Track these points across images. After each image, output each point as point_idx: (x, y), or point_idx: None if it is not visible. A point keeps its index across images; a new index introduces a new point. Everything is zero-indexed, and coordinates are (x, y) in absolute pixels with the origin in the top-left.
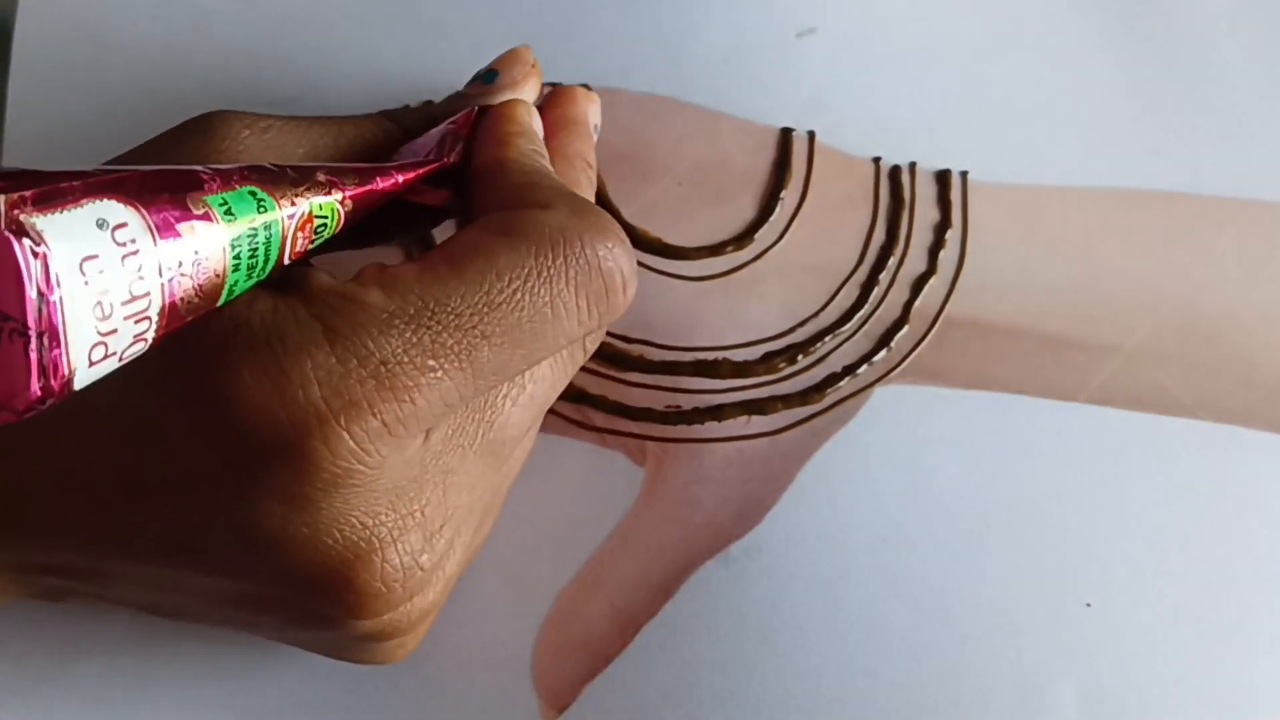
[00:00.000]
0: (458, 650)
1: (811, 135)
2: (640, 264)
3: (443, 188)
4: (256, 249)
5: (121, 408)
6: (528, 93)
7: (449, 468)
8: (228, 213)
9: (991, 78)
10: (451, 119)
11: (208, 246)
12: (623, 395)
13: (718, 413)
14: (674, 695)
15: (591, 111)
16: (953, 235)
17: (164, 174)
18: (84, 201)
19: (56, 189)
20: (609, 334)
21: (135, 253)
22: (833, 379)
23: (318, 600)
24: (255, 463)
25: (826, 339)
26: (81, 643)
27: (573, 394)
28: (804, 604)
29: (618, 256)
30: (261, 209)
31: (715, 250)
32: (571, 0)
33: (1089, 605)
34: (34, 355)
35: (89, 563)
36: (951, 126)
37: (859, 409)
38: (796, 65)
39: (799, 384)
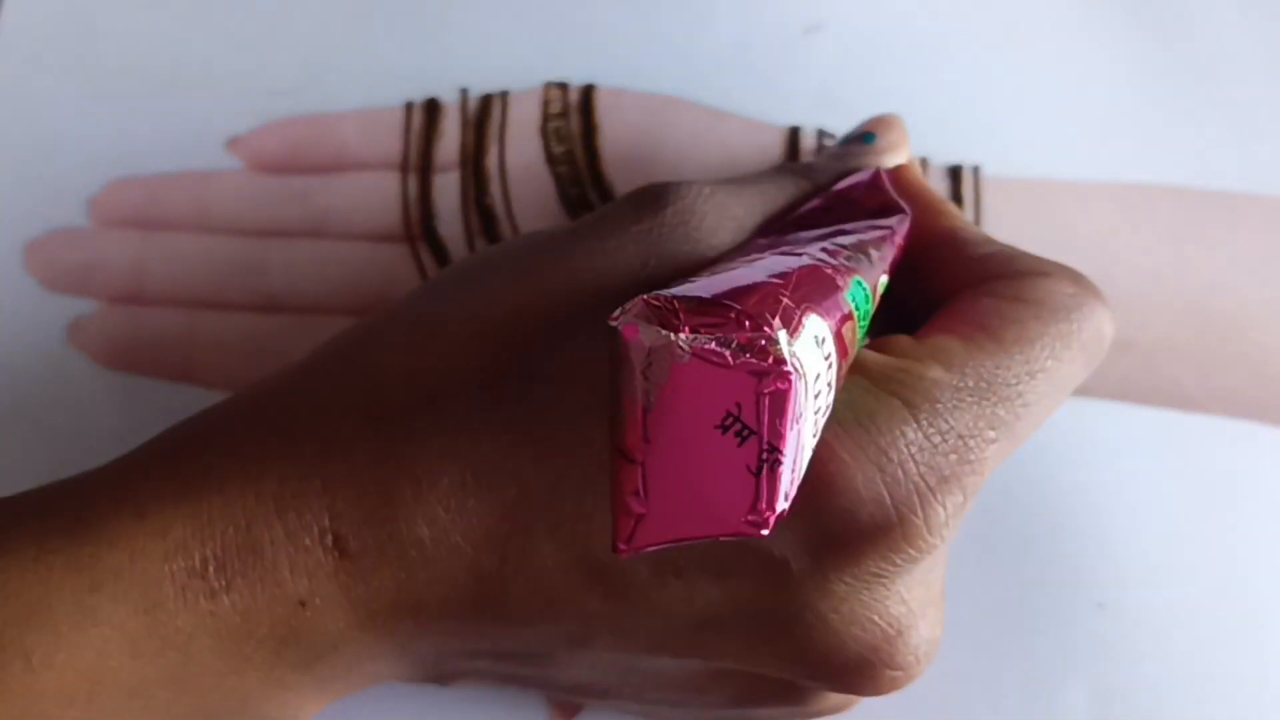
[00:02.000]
0: None
1: (820, 133)
2: None
3: None
4: (860, 336)
5: None
6: (902, 157)
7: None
8: (856, 306)
9: (1002, 72)
10: (855, 177)
11: (851, 341)
12: None
13: None
14: None
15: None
16: None
17: (815, 275)
18: (805, 318)
19: (787, 310)
20: None
21: (830, 363)
22: None
23: (845, 680)
24: (847, 542)
25: None
26: None
27: None
28: None
29: (1111, 321)
30: (865, 297)
31: None
32: None
33: (1101, 605)
34: (789, 476)
35: (558, 649)
36: (964, 121)
37: None
38: (805, 61)
39: None
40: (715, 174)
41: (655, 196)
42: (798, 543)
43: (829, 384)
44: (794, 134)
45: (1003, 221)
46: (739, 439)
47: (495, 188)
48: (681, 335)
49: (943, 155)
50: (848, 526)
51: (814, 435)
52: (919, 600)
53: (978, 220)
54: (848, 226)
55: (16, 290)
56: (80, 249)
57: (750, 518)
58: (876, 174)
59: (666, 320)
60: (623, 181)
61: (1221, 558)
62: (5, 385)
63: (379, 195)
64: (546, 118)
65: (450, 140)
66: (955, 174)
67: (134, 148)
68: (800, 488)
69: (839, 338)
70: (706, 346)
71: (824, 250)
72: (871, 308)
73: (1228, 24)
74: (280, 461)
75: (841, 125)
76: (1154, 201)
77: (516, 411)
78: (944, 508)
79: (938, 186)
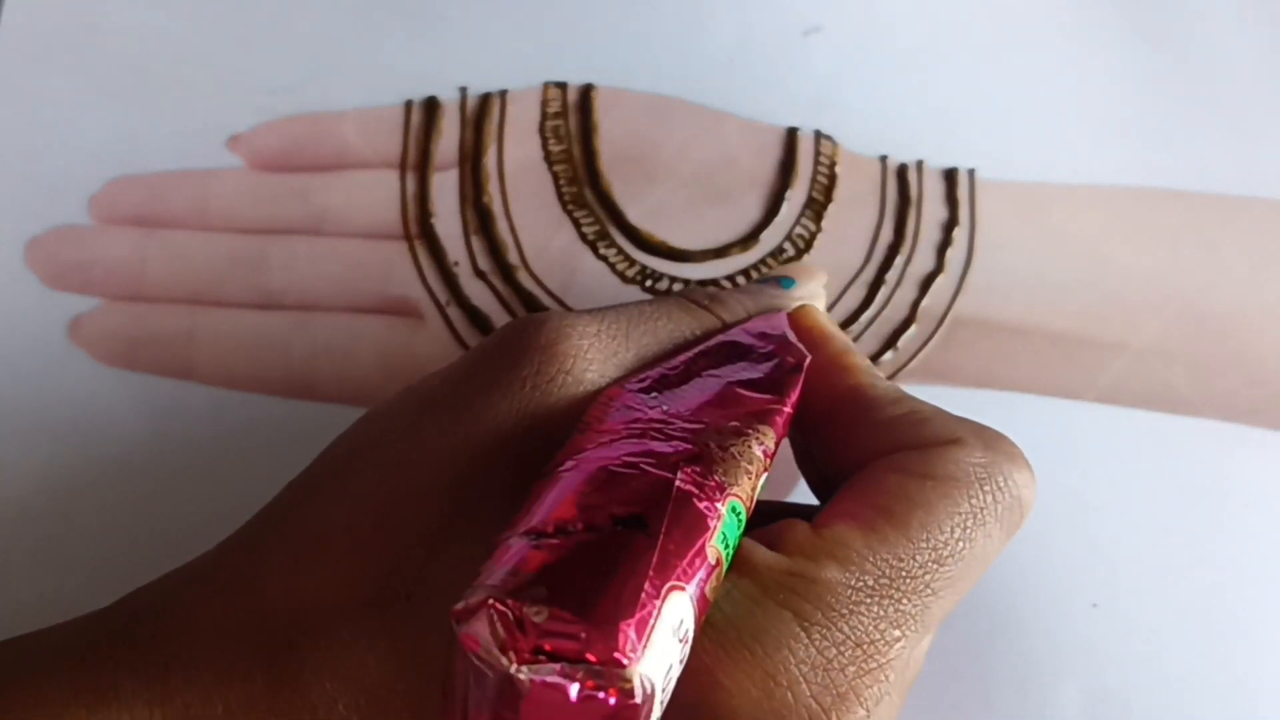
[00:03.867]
0: None
1: (818, 134)
2: (645, 267)
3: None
4: (731, 554)
5: None
6: (823, 305)
7: None
8: (724, 545)
9: (998, 75)
10: (760, 317)
11: (715, 588)
12: None
13: None
14: None
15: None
16: (960, 233)
17: (680, 522)
18: (661, 611)
19: (644, 615)
20: None
21: (685, 641)
22: None
23: None
24: None
25: None
26: None
27: None
28: None
29: (1031, 484)
30: (739, 521)
31: (720, 253)
32: None
33: (1095, 605)
34: None
35: None
36: (959, 124)
37: None
38: (803, 63)
39: None
40: (718, 174)
41: (530, 341)
42: None
43: (680, 660)
44: (792, 134)
45: (997, 225)
46: None
47: (493, 186)
48: (522, 668)
49: (938, 158)
50: None
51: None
52: None
53: (972, 225)
54: (737, 390)
55: (18, 287)
56: (81, 246)
57: None
58: (782, 318)
59: (510, 634)
60: (621, 182)
61: (1213, 559)
62: (6, 382)
63: (378, 193)
64: (545, 117)
65: (449, 139)
66: (950, 177)
67: (135, 145)
68: (689, 712)
69: (701, 601)
70: (548, 680)
71: (699, 437)
72: (745, 519)
73: (1222, 27)
74: (184, 687)
75: (838, 126)
76: (1148, 204)
77: (401, 630)
78: None
79: (933, 189)
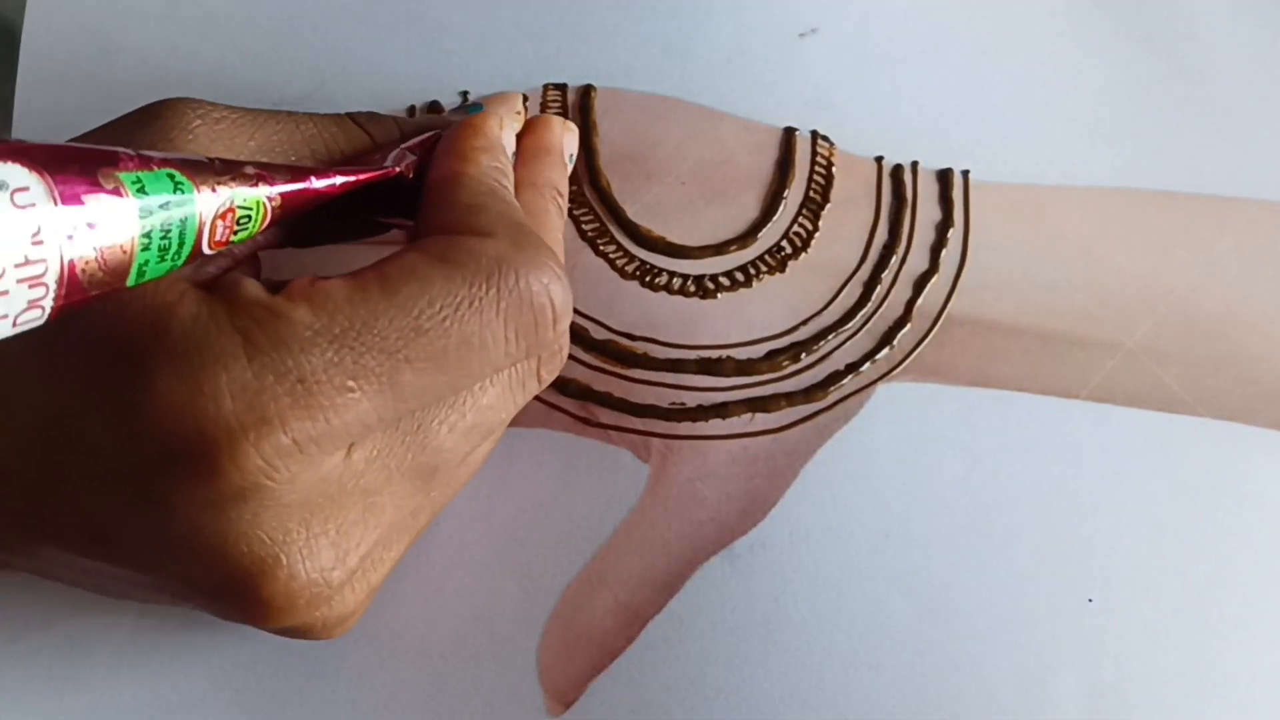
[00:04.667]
0: (464, 646)
1: (814, 135)
2: (644, 263)
3: (394, 202)
4: (170, 231)
5: (43, 400)
6: (507, 130)
7: (371, 487)
8: (140, 190)
9: (993, 77)
10: (417, 138)
11: (114, 219)
12: (627, 392)
13: (722, 410)
14: (679, 690)
15: (568, 141)
16: (954, 234)
17: (79, 149)
18: None
19: None
20: (613, 331)
21: (32, 214)
22: (836, 376)
23: (221, 606)
24: (167, 467)
25: (829, 337)
26: (90, 637)
27: (578, 391)
28: (807, 600)
29: (552, 290)
30: (178, 190)
31: (719, 249)
32: (575, 0)
33: (1090, 600)
34: None
35: (14, 542)
36: (953, 126)
37: (862, 406)
38: (799, 65)
39: (802, 381)
40: (716, 173)
41: (156, 115)
42: (131, 461)
43: (36, 238)
44: (789, 134)
45: (990, 225)
46: None
47: None
48: None
49: (932, 159)
50: (162, 452)
51: None
52: (298, 540)
53: (965, 226)
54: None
55: None
56: None
57: None
58: (432, 137)
59: None
60: (620, 180)
61: (1207, 555)
62: None
63: None
64: None
65: None
66: (945, 178)
67: None
68: (121, 407)
69: (72, 198)
70: None
71: (204, 159)
72: (254, 220)
73: (1214, 29)
74: None
75: (835, 127)
76: (1141, 205)
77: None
78: (255, 449)
79: (928, 190)
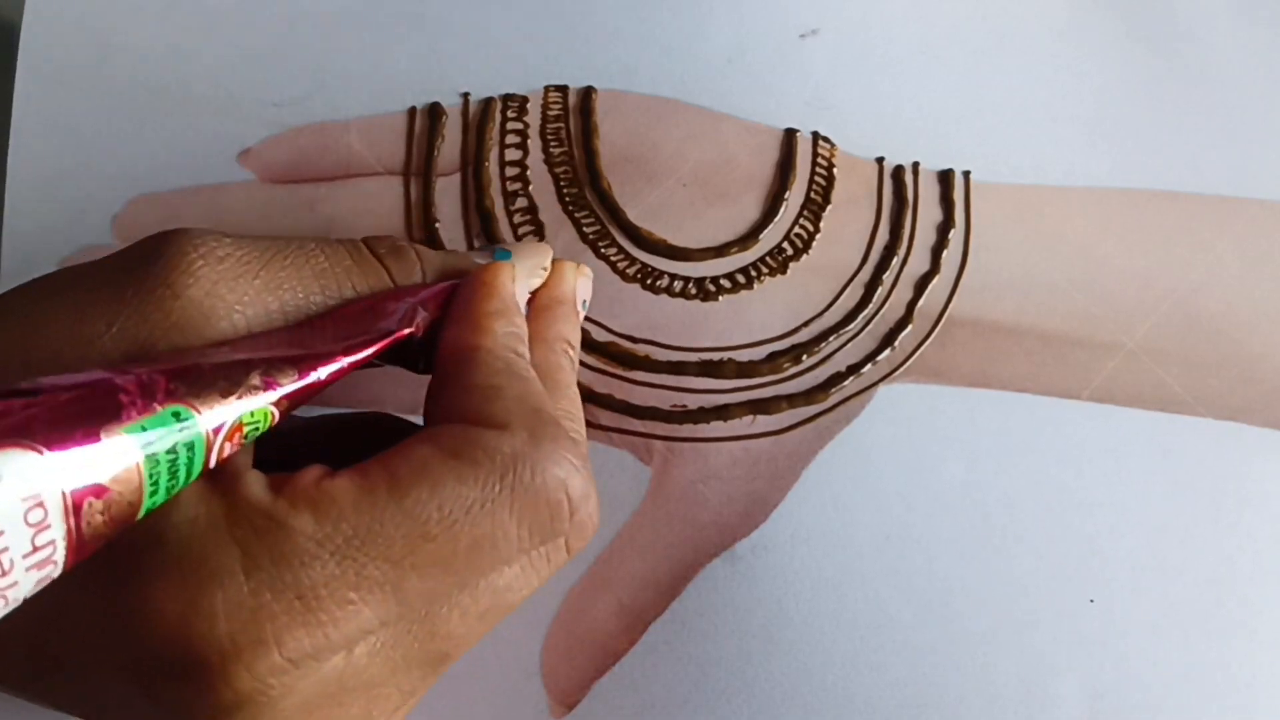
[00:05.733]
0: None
1: (815, 136)
2: (646, 265)
3: (400, 353)
4: (177, 470)
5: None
6: (531, 284)
7: (375, 680)
8: (145, 441)
9: (994, 78)
10: (433, 286)
11: (122, 481)
12: (629, 394)
13: (723, 412)
14: (681, 692)
15: (581, 287)
16: (955, 235)
17: (79, 401)
18: None
19: None
20: (615, 333)
21: (40, 505)
22: (837, 378)
23: None
24: (162, 674)
25: (831, 339)
26: None
27: (580, 393)
28: (809, 601)
29: (570, 485)
30: (183, 427)
31: (720, 251)
32: (576, 1)
33: (1092, 601)
34: None
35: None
36: (954, 126)
37: (863, 408)
38: (800, 66)
39: (803, 383)
40: (717, 175)
41: (158, 254)
42: (124, 665)
43: (42, 525)
44: (790, 136)
45: (991, 226)
46: None
47: (495, 189)
48: None
49: (933, 160)
50: (154, 663)
51: (2, 575)
52: None
53: (967, 227)
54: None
55: None
56: None
57: None
58: (446, 289)
59: None
60: (620, 182)
61: (1208, 555)
62: None
63: (382, 200)
64: (546, 120)
65: (452, 144)
66: (945, 179)
67: (152, 164)
68: (116, 614)
69: (82, 488)
70: None
71: (207, 364)
72: (260, 429)
73: (1215, 29)
74: None
75: (835, 128)
76: (1142, 205)
77: None
78: (249, 670)
79: (929, 191)
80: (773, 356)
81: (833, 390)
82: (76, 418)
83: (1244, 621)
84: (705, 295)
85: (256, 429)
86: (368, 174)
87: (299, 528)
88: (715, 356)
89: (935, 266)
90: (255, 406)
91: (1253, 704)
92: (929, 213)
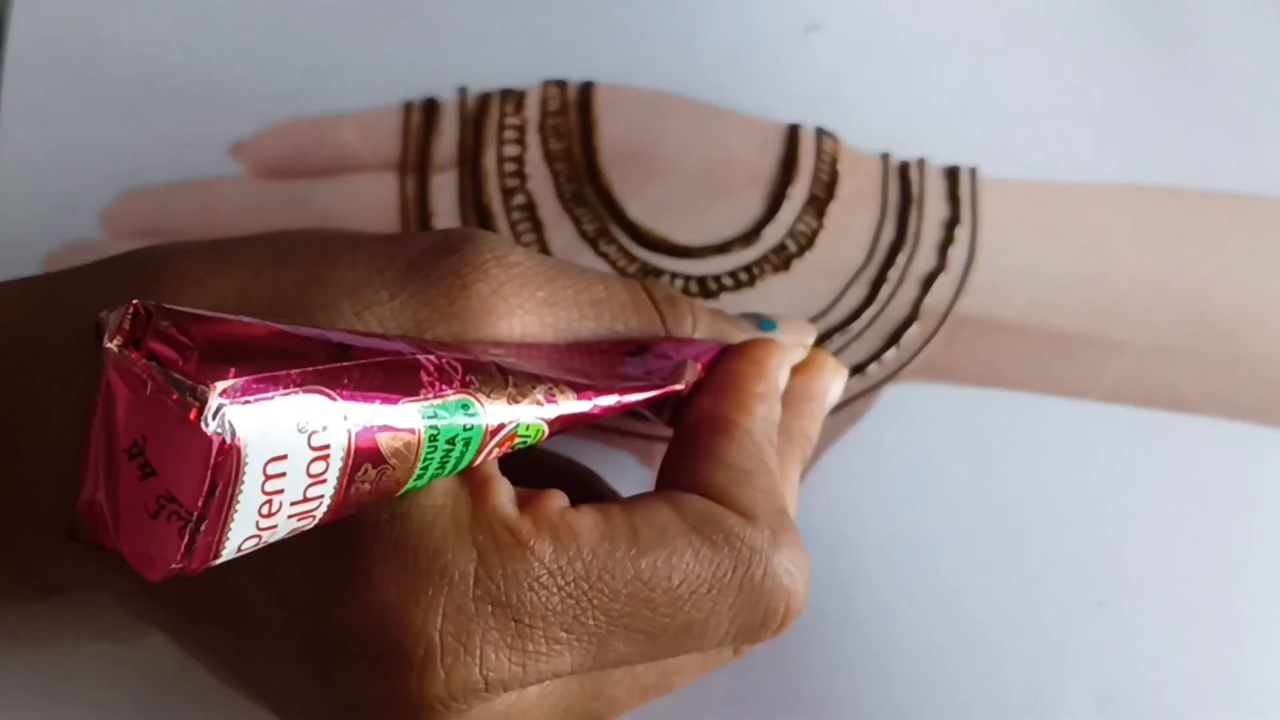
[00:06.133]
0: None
1: (819, 131)
2: (646, 263)
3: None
4: (448, 461)
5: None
6: (788, 361)
7: None
8: (432, 427)
9: (1000, 73)
10: (701, 344)
11: (399, 455)
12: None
13: None
14: (682, 695)
15: (834, 388)
16: (962, 232)
17: (385, 369)
18: (294, 395)
19: (270, 378)
20: None
21: (325, 458)
22: None
23: None
24: (343, 660)
25: (835, 337)
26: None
27: None
28: (814, 605)
29: (793, 596)
30: (470, 419)
31: (722, 249)
32: None
33: (1101, 605)
34: (185, 539)
35: (175, 626)
36: (960, 122)
37: (868, 408)
38: (804, 61)
39: None
40: (719, 171)
41: (452, 239)
42: (327, 633)
43: (320, 478)
44: (793, 131)
45: (999, 223)
46: (142, 473)
47: (493, 185)
48: (115, 346)
49: (940, 157)
50: (357, 639)
51: (267, 515)
52: None
53: (974, 224)
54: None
55: None
56: None
57: (148, 555)
58: (715, 348)
59: (138, 324)
60: (622, 178)
61: (1218, 558)
62: None
63: (378, 196)
64: (545, 115)
65: (449, 139)
66: (952, 175)
67: (143, 158)
68: (334, 582)
69: (365, 451)
70: (131, 368)
71: (500, 370)
72: (481, 432)
73: (1226, 25)
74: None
75: (840, 124)
76: (1151, 203)
77: None
78: (447, 677)
79: (935, 187)
80: None
81: None
82: (380, 384)
83: (1255, 625)
84: (707, 293)
85: (526, 441)
86: (363, 170)
87: (539, 551)
88: None
89: (942, 264)
90: (533, 418)
91: (1264, 709)
92: (935, 209)
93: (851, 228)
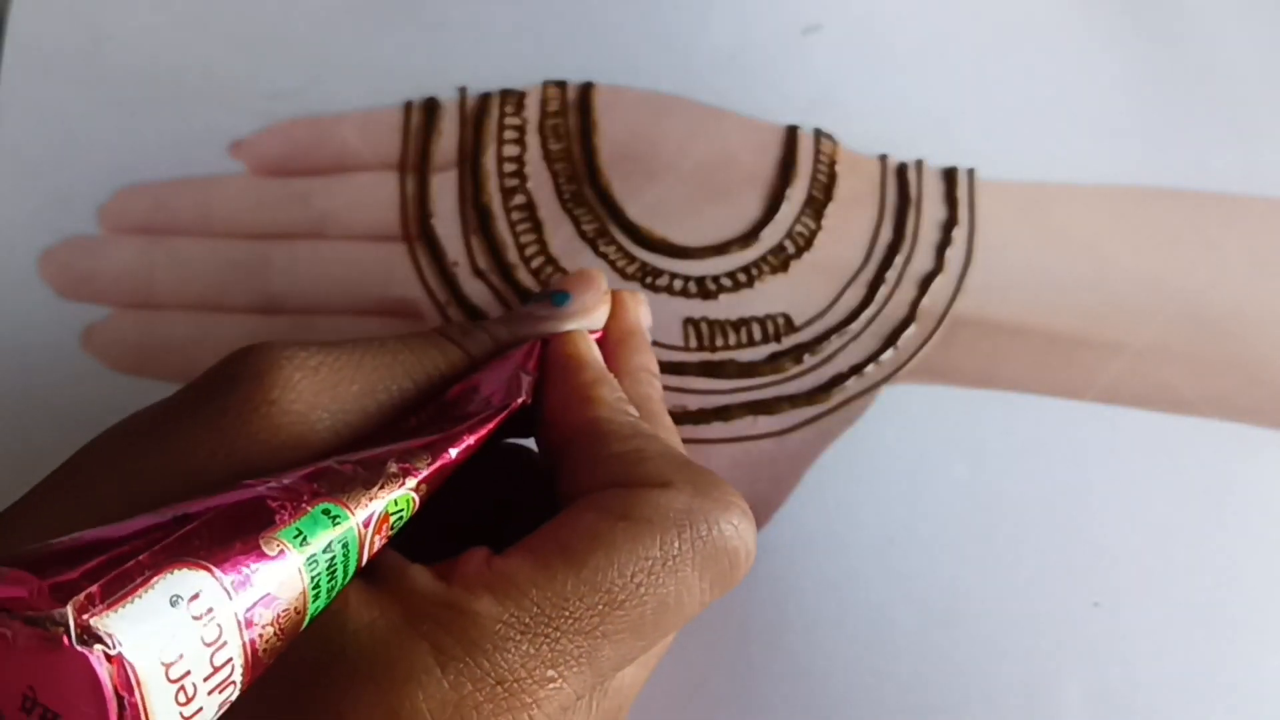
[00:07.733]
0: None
1: (817, 133)
2: (645, 263)
3: (518, 425)
4: (335, 569)
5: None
6: (597, 319)
7: None
8: (302, 543)
9: (998, 75)
10: (517, 352)
11: (286, 587)
12: None
13: (724, 413)
14: (682, 696)
15: (643, 314)
16: (960, 233)
17: (232, 516)
18: (154, 580)
19: (124, 572)
20: None
21: (214, 622)
22: (839, 379)
23: None
24: None
25: (833, 338)
26: None
27: None
28: (811, 605)
29: (743, 533)
30: (336, 523)
31: (720, 249)
32: None
33: (1097, 605)
34: None
35: None
36: (958, 123)
37: (866, 409)
38: (802, 62)
39: (805, 384)
40: (718, 172)
41: (252, 374)
42: None
43: (218, 643)
44: (792, 132)
45: (997, 224)
46: None
47: (492, 185)
48: None
49: (937, 157)
50: None
51: (186, 703)
52: None
53: (971, 225)
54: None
55: (33, 298)
56: (91, 257)
57: None
58: (534, 348)
59: None
60: (621, 179)
61: (1214, 558)
62: (23, 389)
63: (377, 195)
64: (544, 115)
65: (448, 139)
66: (950, 176)
67: (141, 154)
68: None
69: (249, 598)
70: None
71: (342, 465)
72: (405, 516)
73: (1223, 26)
74: None
75: (838, 125)
76: (1149, 204)
77: None
78: None
79: (933, 188)
80: (774, 357)
81: (835, 391)
82: (233, 531)
83: (1250, 626)
84: (706, 294)
85: (401, 517)
86: (362, 169)
87: (483, 610)
88: (716, 357)
89: (939, 265)
90: (398, 495)
91: (1258, 709)
92: (933, 210)
93: (849, 229)
